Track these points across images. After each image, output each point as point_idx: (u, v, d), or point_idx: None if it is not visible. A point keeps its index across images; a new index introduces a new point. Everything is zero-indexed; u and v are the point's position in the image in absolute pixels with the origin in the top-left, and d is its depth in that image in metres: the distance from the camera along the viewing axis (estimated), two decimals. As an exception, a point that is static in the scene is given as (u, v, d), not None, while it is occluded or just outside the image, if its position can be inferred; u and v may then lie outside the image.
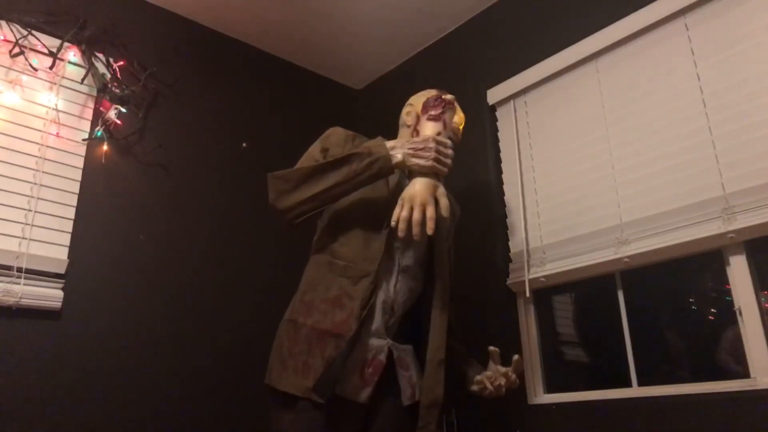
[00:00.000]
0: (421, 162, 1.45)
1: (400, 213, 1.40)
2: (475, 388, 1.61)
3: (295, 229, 1.53)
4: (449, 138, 1.63)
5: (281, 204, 1.50)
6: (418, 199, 1.41)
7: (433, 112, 1.59)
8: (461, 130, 1.73)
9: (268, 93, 2.81)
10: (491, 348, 1.59)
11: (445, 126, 1.58)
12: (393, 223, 1.41)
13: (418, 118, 1.70)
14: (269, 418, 1.47)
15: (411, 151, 1.46)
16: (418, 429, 1.47)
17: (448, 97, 1.63)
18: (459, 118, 1.71)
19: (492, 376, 1.57)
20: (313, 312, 1.47)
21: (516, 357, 1.58)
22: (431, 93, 1.73)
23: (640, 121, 1.94)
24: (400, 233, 1.39)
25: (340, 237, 1.54)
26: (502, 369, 1.58)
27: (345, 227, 1.54)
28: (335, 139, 1.61)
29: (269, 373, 1.49)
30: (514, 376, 1.58)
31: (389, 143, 1.49)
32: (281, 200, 1.50)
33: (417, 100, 1.74)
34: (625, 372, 1.87)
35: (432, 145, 1.46)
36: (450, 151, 1.50)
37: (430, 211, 1.40)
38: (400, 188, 1.57)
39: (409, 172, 1.52)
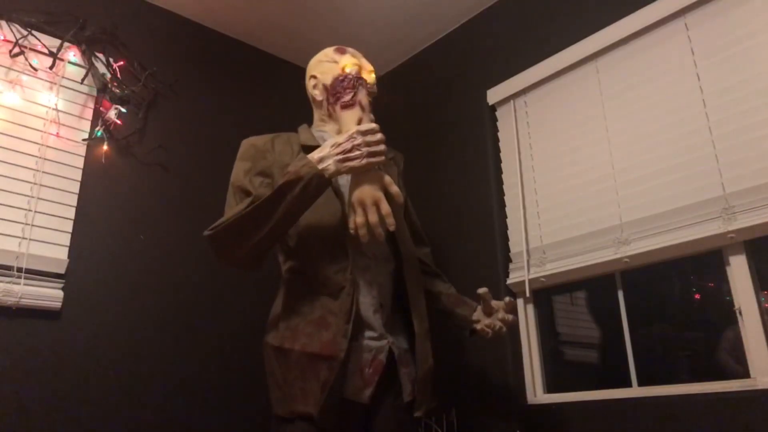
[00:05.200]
0: (355, 164, 1.36)
1: (355, 219, 1.36)
2: (475, 327, 1.66)
3: (260, 269, 1.49)
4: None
5: (230, 258, 1.44)
6: (368, 200, 1.35)
7: (345, 98, 1.46)
8: (374, 79, 1.61)
9: (268, 93, 2.81)
10: (480, 291, 1.60)
11: (363, 108, 1.46)
12: (352, 232, 1.37)
13: (327, 91, 1.60)
14: (271, 426, 1.46)
15: (340, 157, 1.36)
16: (416, 402, 1.49)
17: (352, 72, 1.52)
18: (367, 72, 1.59)
19: (491, 324, 1.63)
20: (299, 336, 1.43)
21: (508, 299, 1.62)
22: (327, 54, 1.64)
23: (640, 120, 1.94)
24: (363, 239, 1.35)
25: (307, 255, 1.49)
26: (498, 313, 1.62)
27: (309, 245, 1.49)
28: (254, 152, 1.55)
29: (270, 400, 1.48)
30: (510, 316, 1.63)
31: (315, 155, 1.37)
32: (228, 255, 1.44)
33: (320, 69, 1.64)
34: (625, 372, 1.87)
35: (359, 140, 1.36)
36: (379, 136, 1.38)
37: (384, 208, 1.35)
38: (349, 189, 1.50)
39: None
